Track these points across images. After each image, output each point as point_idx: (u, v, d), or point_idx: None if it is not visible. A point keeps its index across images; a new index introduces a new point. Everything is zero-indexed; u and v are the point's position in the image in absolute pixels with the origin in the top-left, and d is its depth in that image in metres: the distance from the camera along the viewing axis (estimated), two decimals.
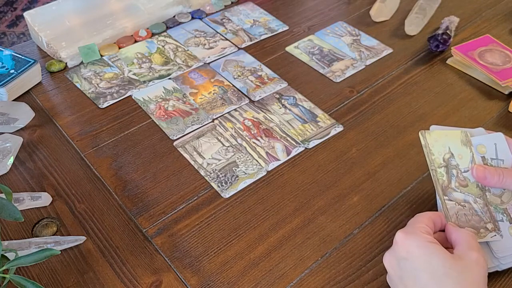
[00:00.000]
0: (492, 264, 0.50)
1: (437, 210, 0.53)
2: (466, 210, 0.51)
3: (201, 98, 0.73)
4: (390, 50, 0.83)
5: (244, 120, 0.70)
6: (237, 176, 0.62)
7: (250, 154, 0.65)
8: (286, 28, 0.88)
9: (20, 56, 0.74)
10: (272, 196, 0.60)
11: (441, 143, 0.55)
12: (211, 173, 0.62)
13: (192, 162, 0.64)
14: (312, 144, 0.67)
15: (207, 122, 0.70)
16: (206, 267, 0.53)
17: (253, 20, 0.90)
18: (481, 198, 0.52)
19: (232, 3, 0.94)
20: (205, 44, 0.84)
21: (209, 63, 0.80)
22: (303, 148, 0.66)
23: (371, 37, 0.86)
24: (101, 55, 0.81)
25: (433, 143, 0.55)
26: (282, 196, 0.60)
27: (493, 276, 0.52)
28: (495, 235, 0.50)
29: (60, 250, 0.49)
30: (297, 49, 0.83)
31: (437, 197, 0.53)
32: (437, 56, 0.82)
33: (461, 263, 0.43)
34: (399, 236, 0.45)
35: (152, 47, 0.83)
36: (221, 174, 0.62)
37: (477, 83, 0.77)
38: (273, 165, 0.64)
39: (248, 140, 0.67)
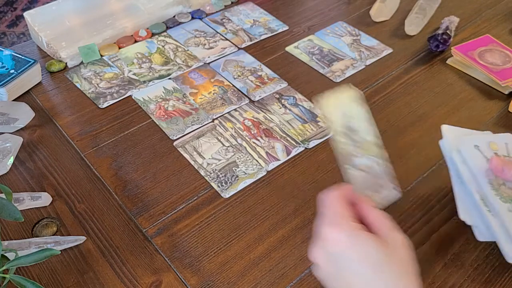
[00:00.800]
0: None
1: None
2: (371, 175, 0.49)
3: (201, 98, 0.73)
4: (390, 50, 0.83)
5: (244, 120, 0.70)
6: (237, 176, 0.62)
7: (250, 154, 0.65)
8: (286, 28, 0.88)
9: (20, 56, 0.74)
10: (272, 196, 0.60)
11: (337, 109, 0.50)
12: (211, 173, 0.62)
13: (192, 162, 0.64)
14: (312, 144, 0.67)
15: (207, 122, 0.70)
16: (206, 267, 0.53)
17: (253, 20, 0.90)
18: (381, 158, 0.50)
19: (232, 3, 0.94)
20: (205, 44, 0.84)
21: (209, 63, 0.80)
22: (303, 148, 0.66)
23: (371, 37, 0.86)
24: (101, 55, 0.81)
25: (330, 110, 0.50)
26: (282, 196, 0.60)
27: (493, 276, 0.52)
28: (396, 193, 0.49)
29: (60, 250, 0.49)
30: (297, 49, 0.83)
31: (343, 167, 0.49)
32: (437, 56, 0.82)
33: (390, 246, 0.42)
34: (327, 231, 0.42)
35: (152, 47, 0.83)
36: (221, 174, 0.62)
37: (477, 83, 0.77)
38: (273, 165, 0.64)
39: (248, 140, 0.67)
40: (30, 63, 0.73)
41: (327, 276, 0.43)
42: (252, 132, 0.68)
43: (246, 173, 0.63)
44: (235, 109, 0.72)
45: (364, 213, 0.46)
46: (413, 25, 0.87)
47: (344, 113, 0.51)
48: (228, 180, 0.62)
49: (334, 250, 0.41)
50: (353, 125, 0.51)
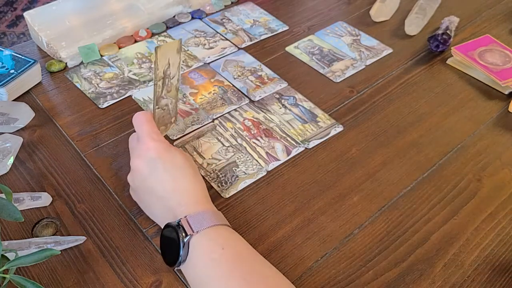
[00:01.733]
0: None
1: None
2: (166, 113, 0.58)
3: (201, 98, 0.73)
4: (390, 50, 0.83)
5: (244, 120, 0.70)
6: (237, 176, 0.62)
7: (250, 154, 0.65)
8: (286, 28, 0.88)
9: (20, 56, 0.74)
10: (272, 196, 0.60)
11: (165, 56, 0.55)
12: (211, 173, 0.62)
13: None
14: (312, 144, 0.67)
15: (207, 122, 0.70)
16: None
17: (253, 20, 0.90)
18: (175, 98, 0.59)
19: (232, 3, 0.94)
20: (205, 44, 0.84)
21: (209, 63, 0.80)
22: (303, 148, 0.66)
23: (371, 37, 0.86)
24: (101, 55, 0.81)
25: (160, 57, 0.54)
26: (282, 196, 0.60)
27: (493, 276, 0.52)
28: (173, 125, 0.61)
29: (60, 250, 0.49)
30: (297, 49, 0.83)
31: (152, 107, 0.57)
32: (437, 56, 0.82)
33: (176, 155, 0.54)
34: (148, 140, 0.53)
35: (152, 47, 0.83)
36: (221, 174, 0.62)
37: (477, 83, 0.77)
38: (273, 165, 0.64)
39: (248, 140, 0.67)
40: (30, 63, 0.73)
41: (139, 182, 0.53)
42: (252, 132, 0.68)
43: (246, 173, 0.63)
44: (235, 109, 0.72)
45: None
46: (413, 25, 0.87)
47: (167, 62, 0.56)
48: (228, 180, 0.62)
49: (153, 156, 0.52)
50: (169, 71, 0.56)
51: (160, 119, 0.59)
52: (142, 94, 0.74)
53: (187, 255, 0.48)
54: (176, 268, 0.50)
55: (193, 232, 0.48)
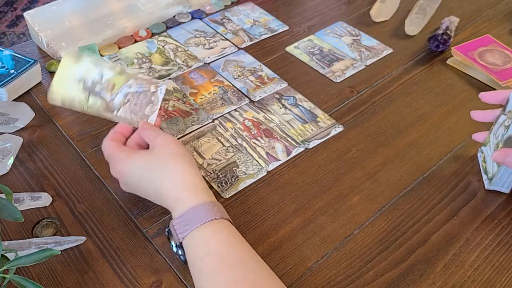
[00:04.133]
0: None
1: None
2: (132, 100, 0.56)
3: (201, 98, 0.73)
4: (390, 50, 0.83)
5: (244, 120, 0.70)
6: (237, 177, 0.62)
7: (250, 154, 0.65)
8: (286, 28, 0.88)
9: (20, 56, 0.74)
10: (272, 197, 0.60)
11: (65, 86, 0.54)
12: (211, 173, 0.62)
13: None
14: (312, 144, 0.67)
15: (207, 122, 0.70)
16: None
17: (253, 20, 0.90)
18: (132, 78, 0.56)
19: (232, 3, 0.94)
20: (205, 44, 0.84)
21: (209, 63, 0.80)
22: (303, 148, 0.66)
23: (371, 37, 0.86)
24: (101, 55, 0.81)
25: (63, 93, 0.54)
26: (282, 196, 0.60)
27: (493, 277, 0.52)
28: (162, 87, 0.58)
29: (60, 250, 0.49)
30: (297, 49, 0.83)
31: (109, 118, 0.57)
32: (437, 56, 0.82)
33: (154, 150, 0.54)
34: (120, 164, 0.55)
35: (152, 47, 0.83)
36: (221, 174, 0.62)
37: (477, 83, 0.77)
38: (273, 165, 0.64)
39: (248, 140, 0.67)
40: (30, 63, 0.73)
41: (130, 188, 0.56)
42: (252, 132, 0.68)
43: (246, 174, 0.62)
44: (235, 109, 0.72)
45: (139, 138, 0.58)
46: (413, 25, 0.87)
47: (76, 83, 0.53)
48: (228, 180, 0.62)
49: (124, 170, 0.55)
50: (88, 82, 0.54)
51: (129, 114, 0.58)
52: None
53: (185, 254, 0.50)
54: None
55: (179, 239, 0.49)
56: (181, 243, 0.49)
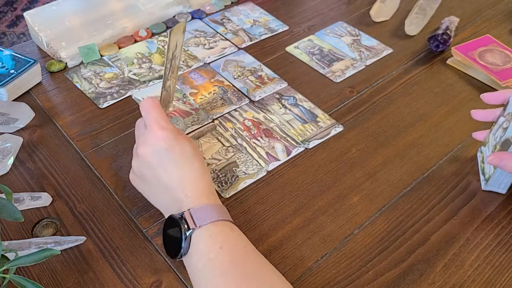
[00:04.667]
0: None
1: None
2: (167, 94, 0.60)
3: (201, 98, 0.73)
4: (390, 50, 0.83)
5: (244, 120, 0.70)
6: (237, 176, 0.62)
7: (250, 154, 0.65)
8: (286, 28, 0.88)
9: (20, 56, 0.74)
10: (272, 196, 0.60)
11: (175, 38, 0.56)
12: (211, 173, 0.62)
13: None
14: (312, 144, 0.67)
15: (207, 122, 0.70)
16: None
17: (253, 20, 0.90)
18: (175, 79, 0.62)
19: (232, 3, 0.94)
20: (205, 44, 0.84)
21: (209, 63, 0.80)
22: (303, 148, 0.66)
23: (371, 37, 0.86)
24: (101, 55, 0.81)
25: (173, 39, 0.55)
26: (282, 196, 0.60)
27: (493, 277, 0.52)
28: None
29: (60, 250, 0.49)
30: (297, 49, 0.83)
31: (161, 88, 0.58)
32: (437, 56, 0.82)
33: (188, 143, 0.54)
34: (157, 129, 0.53)
35: (152, 47, 0.83)
36: (221, 174, 0.62)
37: (477, 83, 0.77)
38: (273, 165, 0.64)
39: (248, 140, 0.67)
40: (30, 63, 0.73)
41: (146, 170, 0.53)
42: (252, 132, 0.68)
43: (246, 173, 0.63)
44: (235, 109, 0.72)
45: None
46: (413, 25, 0.87)
47: (175, 43, 0.56)
48: (228, 180, 0.62)
49: (162, 146, 0.52)
50: (176, 53, 0.57)
51: (164, 101, 0.60)
52: (142, 94, 0.74)
53: (189, 248, 0.48)
54: (177, 259, 0.50)
55: (195, 226, 0.48)
56: (190, 235, 0.48)
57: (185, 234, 0.48)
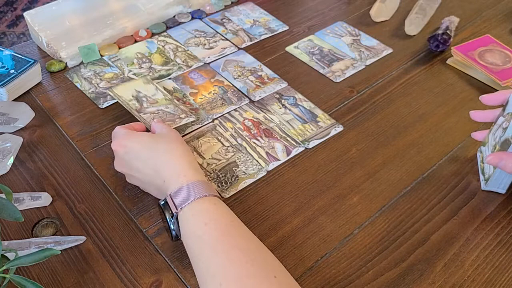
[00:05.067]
0: None
1: None
2: (161, 114, 0.66)
3: (201, 98, 0.73)
4: (390, 50, 0.83)
5: (244, 120, 0.70)
6: (237, 176, 0.62)
7: (250, 154, 0.65)
8: (286, 28, 0.88)
9: (20, 56, 0.74)
10: (272, 196, 0.60)
11: (127, 91, 0.69)
12: (211, 173, 0.62)
13: None
14: (312, 144, 0.67)
15: (207, 122, 0.70)
16: None
17: (253, 20, 0.90)
18: (171, 104, 0.68)
19: (232, 3, 0.94)
20: (205, 44, 0.84)
21: (209, 63, 0.80)
22: (303, 148, 0.66)
23: (371, 37, 0.86)
24: (101, 55, 0.81)
25: (121, 94, 0.68)
26: (282, 196, 0.60)
27: (493, 276, 0.52)
28: (189, 118, 0.67)
29: (60, 250, 0.49)
30: (297, 49, 0.83)
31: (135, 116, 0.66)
32: (437, 56, 0.82)
33: (158, 134, 0.59)
34: (123, 138, 0.58)
35: (152, 47, 0.83)
36: (221, 174, 0.62)
37: (477, 83, 0.77)
38: (273, 165, 0.64)
39: (248, 140, 0.67)
40: (30, 63, 0.73)
41: (125, 164, 0.58)
42: (252, 132, 0.68)
43: (246, 173, 0.63)
44: (235, 109, 0.72)
45: (152, 128, 0.62)
46: (413, 25, 0.87)
47: (133, 92, 0.69)
48: (228, 180, 0.62)
49: (126, 143, 0.57)
50: (140, 95, 0.69)
51: (162, 117, 0.66)
52: None
53: (180, 229, 0.51)
54: (175, 240, 0.53)
55: (177, 209, 0.50)
56: (176, 218, 0.50)
57: (172, 219, 0.51)
